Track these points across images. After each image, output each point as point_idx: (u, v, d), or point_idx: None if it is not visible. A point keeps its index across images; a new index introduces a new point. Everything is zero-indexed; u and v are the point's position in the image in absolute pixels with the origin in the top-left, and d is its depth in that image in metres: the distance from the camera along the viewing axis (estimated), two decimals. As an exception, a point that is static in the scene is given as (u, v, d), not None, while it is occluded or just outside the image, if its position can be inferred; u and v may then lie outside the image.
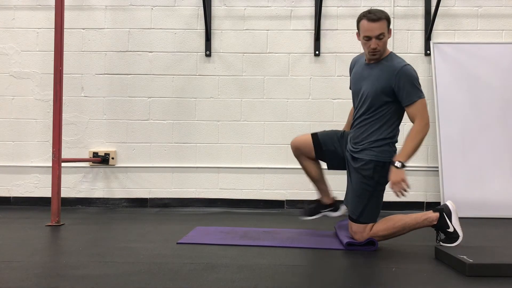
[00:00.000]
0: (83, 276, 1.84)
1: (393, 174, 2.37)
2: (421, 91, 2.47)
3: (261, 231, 2.87)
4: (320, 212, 2.85)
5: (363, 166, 2.48)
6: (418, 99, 2.43)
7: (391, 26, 2.51)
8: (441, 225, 2.44)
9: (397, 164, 2.37)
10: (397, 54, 2.59)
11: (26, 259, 2.14)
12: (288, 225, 3.21)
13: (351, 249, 2.38)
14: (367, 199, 2.47)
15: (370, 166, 2.46)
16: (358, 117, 2.58)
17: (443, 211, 2.47)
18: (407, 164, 2.39)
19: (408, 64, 2.49)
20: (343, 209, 2.79)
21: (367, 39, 2.44)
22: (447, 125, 3.97)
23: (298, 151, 2.79)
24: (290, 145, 2.84)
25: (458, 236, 2.42)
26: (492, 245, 2.52)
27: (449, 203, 2.51)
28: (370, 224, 2.49)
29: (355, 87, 2.65)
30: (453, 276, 1.90)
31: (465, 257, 1.96)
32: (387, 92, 2.45)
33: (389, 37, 2.49)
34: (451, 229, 2.43)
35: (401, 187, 2.35)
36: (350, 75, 2.78)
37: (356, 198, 2.51)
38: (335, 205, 2.84)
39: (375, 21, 2.40)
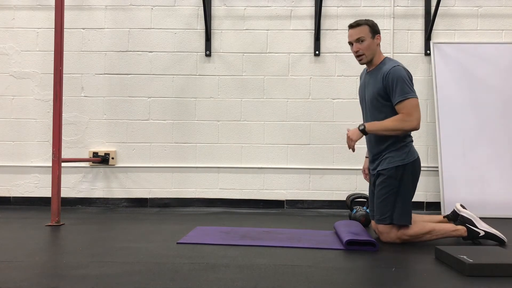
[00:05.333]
0: (83, 276, 1.84)
1: (351, 131, 2.56)
2: (410, 91, 2.48)
3: (261, 231, 2.87)
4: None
5: (385, 171, 2.55)
6: (404, 98, 2.46)
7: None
8: (472, 235, 2.53)
9: (361, 127, 2.53)
10: (395, 56, 2.63)
11: (26, 259, 2.14)
12: (288, 225, 3.21)
13: (351, 249, 2.38)
14: (394, 198, 2.51)
15: (392, 170, 2.54)
16: None
17: (464, 221, 2.56)
18: (368, 131, 2.52)
19: (399, 65, 2.55)
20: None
21: (351, 45, 2.66)
22: (447, 125, 3.97)
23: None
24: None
25: (499, 239, 2.52)
26: (492, 245, 2.52)
27: (463, 213, 2.61)
28: (397, 225, 2.53)
29: (360, 96, 2.76)
30: (453, 276, 1.90)
31: (465, 257, 1.96)
32: (382, 94, 2.54)
33: (377, 42, 2.61)
34: (482, 234, 2.52)
35: (349, 142, 2.56)
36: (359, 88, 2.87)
37: (383, 201, 2.54)
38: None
39: (354, 27, 2.61)
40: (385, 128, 2.50)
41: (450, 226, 2.59)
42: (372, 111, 2.61)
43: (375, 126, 2.52)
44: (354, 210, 3.19)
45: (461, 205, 2.72)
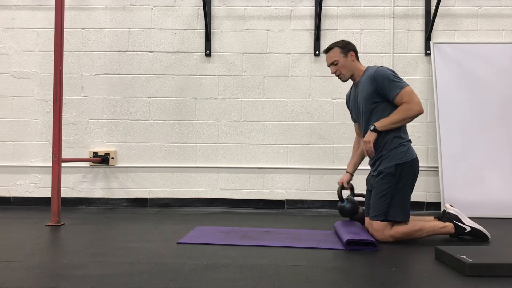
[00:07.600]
0: (83, 276, 1.84)
1: (366, 135, 2.64)
2: (401, 82, 2.61)
3: (261, 231, 2.87)
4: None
5: (385, 169, 2.61)
6: (400, 89, 2.58)
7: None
8: (458, 232, 2.61)
9: (371, 127, 2.62)
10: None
11: (26, 259, 2.14)
12: (288, 225, 3.21)
13: (351, 249, 2.38)
14: (391, 195, 2.56)
15: (392, 168, 2.59)
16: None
17: (451, 218, 2.63)
18: (379, 130, 2.59)
19: (381, 66, 2.72)
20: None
21: (329, 67, 2.85)
22: (447, 125, 3.97)
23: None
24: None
25: (483, 234, 2.60)
26: (492, 245, 2.52)
27: (450, 210, 2.69)
28: (391, 224, 2.57)
29: (355, 110, 2.87)
30: (453, 276, 1.90)
31: (465, 257, 1.96)
32: (374, 95, 2.65)
33: (352, 59, 2.77)
34: (468, 229, 2.60)
35: (367, 146, 2.62)
36: (349, 109, 3.01)
37: (380, 198, 2.59)
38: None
39: (327, 52, 2.82)
40: (393, 121, 2.59)
41: (438, 223, 2.65)
42: (368, 117, 2.70)
43: (383, 122, 2.61)
44: (345, 202, 3.12)
45: (450, 205, 2.78)
